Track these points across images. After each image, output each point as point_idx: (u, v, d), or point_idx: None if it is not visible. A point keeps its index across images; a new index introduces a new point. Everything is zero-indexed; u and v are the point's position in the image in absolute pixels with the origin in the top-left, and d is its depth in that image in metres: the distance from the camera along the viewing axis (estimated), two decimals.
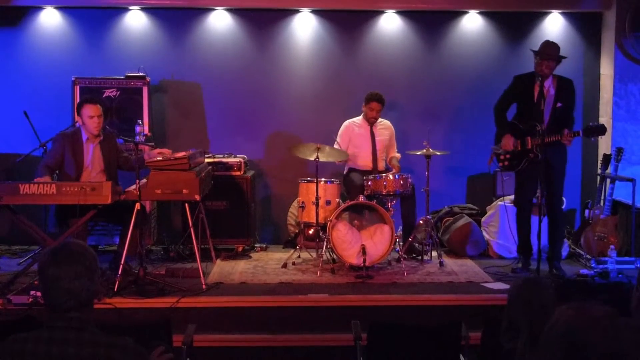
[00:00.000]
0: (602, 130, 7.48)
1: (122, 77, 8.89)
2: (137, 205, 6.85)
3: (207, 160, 8.28)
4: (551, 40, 7.74)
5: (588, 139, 7.74)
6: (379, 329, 4.95)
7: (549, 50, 7.55)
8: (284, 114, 9.55)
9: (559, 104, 7.56)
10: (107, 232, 8.60)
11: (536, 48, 7.73)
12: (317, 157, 7.93)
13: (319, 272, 7.64)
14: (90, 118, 7.29)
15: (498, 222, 8.59)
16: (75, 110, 7.74)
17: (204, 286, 7.01)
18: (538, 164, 7.45)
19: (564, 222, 8.05)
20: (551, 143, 7.42)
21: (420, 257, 8.28)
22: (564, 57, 7.64)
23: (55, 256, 3.06)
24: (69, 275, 3.00)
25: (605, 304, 2.60)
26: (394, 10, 9.46)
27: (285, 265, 8.01)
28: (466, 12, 9.50)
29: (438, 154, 8.28)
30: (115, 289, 6.70)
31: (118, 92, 8.84)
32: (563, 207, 8.40)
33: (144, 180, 6.96)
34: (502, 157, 7.78)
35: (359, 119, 8.73)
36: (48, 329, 3.05)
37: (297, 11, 9.45)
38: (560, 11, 9.46)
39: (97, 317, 3.20)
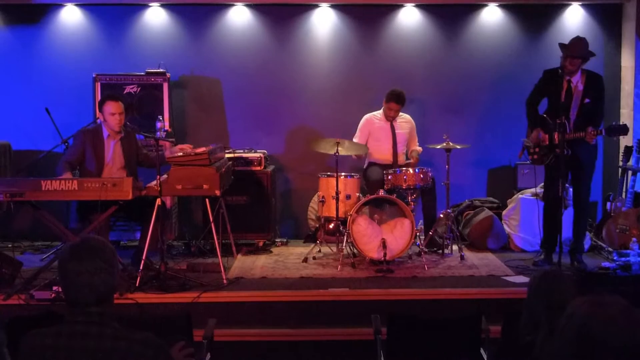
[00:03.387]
0: (624, 130, 7.45)
1: (142, 74, 8.92)
2: (158, 201, 6.89)
3: (227, 155, 8.29)
4: (581, 36, 7.65)
5: (610, 138, 7.68)
6: (399, 322, 4.95)
7: (574, 47, 7.47)
8: (304, 109, 9.56)
9: (586, 100, 7.50)
10: (129, 228, 8.64)
11: (557, 41, 7.72)
12: (337, 152, 7.94)
13: (339, 266, 7.65)
14: (112, 115, 7.33)
15: (519, 215, 8.55)
16: (97, 107, 7.79)
17: (225, 281, 7.05)
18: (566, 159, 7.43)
19: (588, 217, 8.01)
20: (578, 139, 7.38)
21: (441, 251, 8.27)
22: (592, 55, 7.58)
23: (74, 251, 3.08)
24: (89, 270, 3.02)
25: (623, 297, 2.58)
26: (413, 4, 9.43)
27: (305, 260, 8.03)
28: (485, 5, 9.46)
29: (458, 147, 8.26)
30: (137, 284, 6.75)
31: (139, 89, 8.88)
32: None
33: (165, 176, 6.99)
34: (531, 150, 7.76)
35: (379, 113, 8.72)
36: (68, 323, 3.07)
37: (316, 6, 9.45)
38: (580, 3, 9.39)
39: (119, 312, 3.22)
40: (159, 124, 8.57)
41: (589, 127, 7.36)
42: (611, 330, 2.44)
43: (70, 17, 9.37)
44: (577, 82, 7.50)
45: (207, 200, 7.28)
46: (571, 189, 7.84)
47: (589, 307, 2.52)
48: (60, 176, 7.02)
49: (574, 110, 7.46)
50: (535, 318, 3.48)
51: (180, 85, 9.41)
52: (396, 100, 8.50)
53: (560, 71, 7.42)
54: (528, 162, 8.07)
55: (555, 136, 7.48)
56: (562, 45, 7.54)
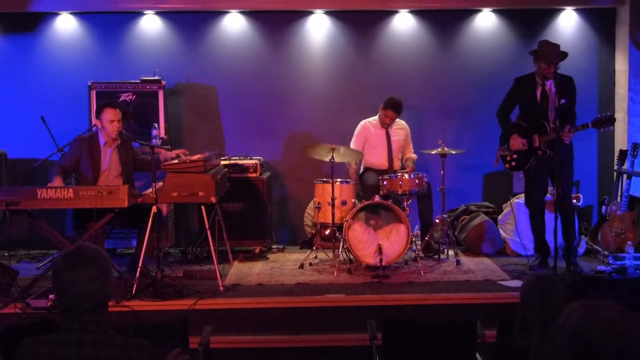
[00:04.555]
0: (610, 120, 7.44)
1: (137, 81, 8.94)
2: (154, 208, 6.89)
3: (223, 162, 8.31)
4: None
5: (598, 130, 7.68)
6: (394, 327, 4.96)
7: (552, 53, 7.49)
8: (299, 115, 9.58)
9: (562, 101, 7.54)
10: (125, 236, 8.65)
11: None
12: (332, 158, 7.95)
13: (335, 272, 7.65)
14: (111, 122, 7.35)
15: (515, 220, 8.55)
16: (95, 114, 7.80)
17: (221, 288, 7.04)
18: (546, 161, 7.47)
19: (575, 216, 8.03)
20: (557, 139, 7.41)
21: (437, 256, 8.29)
22: (566, 56, 7.60)
23: (68, 260, 3.09)
24: (83, 278, 3.03)
25: (619, 301, 2.59)
26: (408, 10, 9.46)
27: (302, 266, 8.03)
28: (479, 11, 9.50)
29: (453, 152, 8.29)
30: (133, 292, 6.74)
31: (134, 96, 8.89)
32: (580, 203, 8.39)
33: (160, 184, 7.00)
34: (508, 157, 7.79)
35: (374, 119, 8.74)
36: (64, 331, 3.08)
37: (311, 12, 9.47)
38: (573, 7, 9.43)
39: (115, 319, 3.23)
40: (154, 132, 8.60)
41: (566, 126, 7.39)
42: (607, 334, 2.45)
43: (66, 25, 9.39)
44: (550, 84, 7.53)
45: (203, 207, 7.28)
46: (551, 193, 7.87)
47: (585, 311, 2.53)
48: (51, 180, 7.09)
49: (552, 112, 7.49)
50: (529, 322, 3.49)
51: (176, 93, 9.43)
52: (394, 109, 8.53)
53: (540, 77, 7.49)
54: (505, 170, 8.04)
55: (535, 139, 7.53)
56: (538, 55, 7.55)
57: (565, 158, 7.58)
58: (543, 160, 7.53)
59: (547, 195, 7.96)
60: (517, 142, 7.65)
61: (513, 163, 7.78)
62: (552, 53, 7.50)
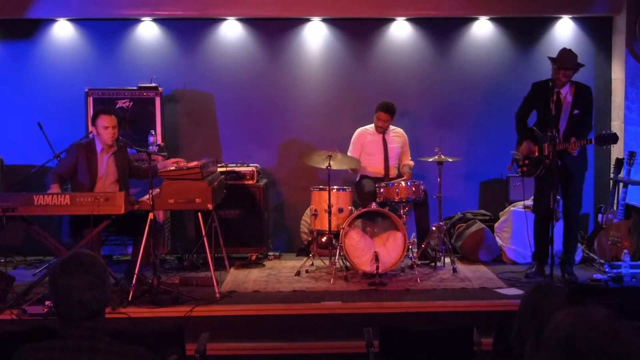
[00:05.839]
0: (614, 138, 7.43)
1: (134, 88, 8.93)
2: (151, 215, 6.89)
3: (219, 169, 8.28)
4: (567, 47, 7.72)
5: (600, 147, 7.68)
6: (391, 335, 4.96)
7: (567, 59, 7.53)
8: (296, 123, 9.59)
9: (575, 111, 7.54)
10: (121, 242, 8.64)
11: (548, 54, 7.75)
12: (329, 165, 7.95)
13: (332, 279, 7.65)
14: (105, 129, 7.33)
15: (511, 228, 8.58)
16: (90, 121, 7.79)
17: (217, 295, 7.04)
18: (556, 171, 7.46)
19: (579, 228, 8.03)
20: (567, 150, 7.40)
21: (433, 264, 8.28)
22: (582, 65, 7.63)
23: (65, 267, 3.07)
24: (80, 286, 3.02)
25: (614, 309, 2.59)
26: (404, 18, 9.48)
27: (298, 273, 8.03)
28: (476, 19, 9.51)
29: (450, 160, 8.28)
30: (130, 299, 6.73)
31: (131, 103, 8.88)
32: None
33: (157, 190, 7.00)
34: (521, 162, 7.77)
35: (371, 127, 8.74)
36: (61, 338, 3.07)
37: (308, 20, 9.48)
38: (570, 16, 9.45)
39: (111, 326, 3.22)
40: (151, 139, 8.59)
41: (572, 138, 7.38)
42: (595, 340, 2.45)
43: (63, 32, 9.39)
44: (566, 93, 7.54)
45: (199, 214, 7.28)
46: (561, 201, 7.86)
47: (572, 318, 2.53)
48: (49, 187, 7.07)
49: (564, 121, 7.50)
50: (525, 330, 3.49)
51: (173, 100, 9.43)
52: (385, 110, 8.52)
53: (550, 84, 7.45)
54: (517, 174, 8.06)
55: (545, 147, 7.52)
56: (553, 59, 7.58)
57: (575, 169, 7.57)
58: (552, 169, 7.49)
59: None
60: (525, 149, 7.66)
61: (525, 169, 7.76)
62: (566, 59, 7.51)
